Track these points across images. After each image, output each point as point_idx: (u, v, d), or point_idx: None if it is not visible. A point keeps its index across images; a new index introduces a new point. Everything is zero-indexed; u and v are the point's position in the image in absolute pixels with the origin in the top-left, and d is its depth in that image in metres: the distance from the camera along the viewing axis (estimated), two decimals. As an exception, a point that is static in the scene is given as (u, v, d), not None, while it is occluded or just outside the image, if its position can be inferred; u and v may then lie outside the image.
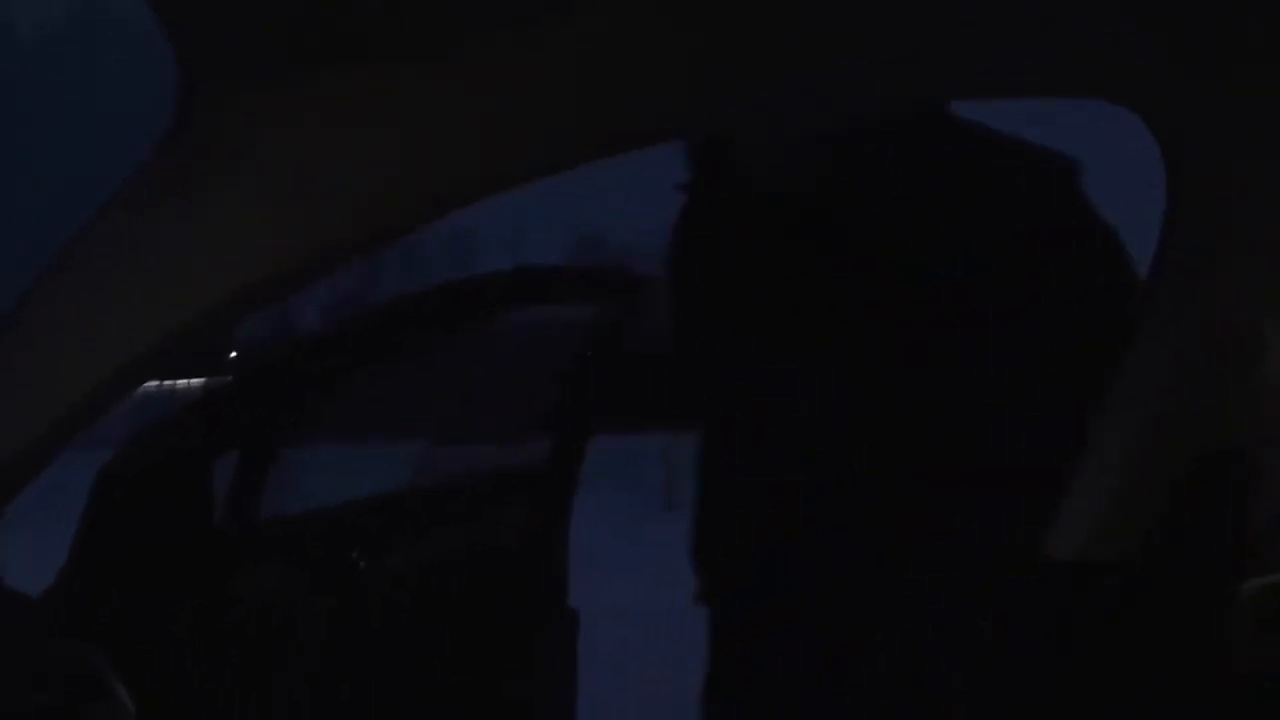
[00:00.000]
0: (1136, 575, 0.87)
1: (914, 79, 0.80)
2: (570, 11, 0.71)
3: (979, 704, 1.00)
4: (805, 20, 0.72)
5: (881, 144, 1.00)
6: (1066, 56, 0.78)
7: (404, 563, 1.51)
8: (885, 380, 1.01)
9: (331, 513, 1.53)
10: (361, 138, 0.75)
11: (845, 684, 1.04)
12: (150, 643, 1.10)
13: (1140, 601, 0.88)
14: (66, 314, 0.86)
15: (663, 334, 1.27)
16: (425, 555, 1.56)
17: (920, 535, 1.01)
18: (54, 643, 1.00)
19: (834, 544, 1.02)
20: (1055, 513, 0.89)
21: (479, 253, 40.85)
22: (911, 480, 1.01)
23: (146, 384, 0.94)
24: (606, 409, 1.76)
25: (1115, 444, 0.92)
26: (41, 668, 0.96)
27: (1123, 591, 0.89)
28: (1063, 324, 1.00)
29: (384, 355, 1.55)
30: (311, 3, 0.70)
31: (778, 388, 1.05)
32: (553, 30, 0.71)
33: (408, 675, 1.44)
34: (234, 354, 4.45)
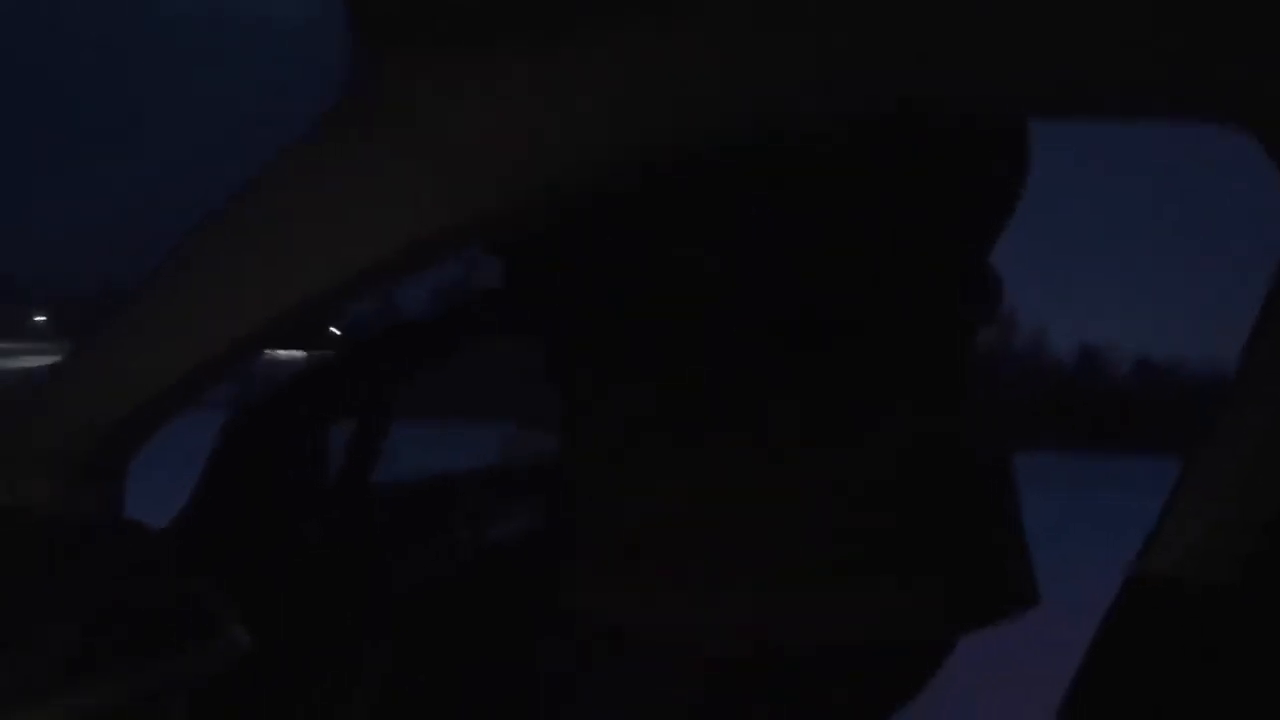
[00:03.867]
0: (1237, 596, 0.86)
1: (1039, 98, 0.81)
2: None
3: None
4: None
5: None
6: (1184, 75, 0.77)
7: (498, 533, 1.56)
8: None
9: (432, 482, 1.58)
10: (517, 115, 0.78)
11: None
12: (259, 585, 1.15)
13: (1240, 622, 0.87)
14: (212, 274, 0.91)
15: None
16: (513, 528, 1.61)
17: None
18: (179, 577, 1.06)
19: None
20: (1153, 531, 0.88)
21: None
22: None
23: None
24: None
25: (1219, 465, 0.90)
26: (166, 601, 1.02)
27: (1221, 612, 0.88)
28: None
29: (479, 338, 1.59)
30: None
31: None
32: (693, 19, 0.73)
33: (494, 636, 1.48)
34: (335, 329, 4.56)
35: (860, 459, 0.86)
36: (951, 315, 0.93)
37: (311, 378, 1.29)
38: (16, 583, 0.98)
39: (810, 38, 0.71)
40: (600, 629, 0.90)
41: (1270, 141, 0.76)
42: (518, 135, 0.79)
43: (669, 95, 0.76)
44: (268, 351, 1.03)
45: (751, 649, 0.87)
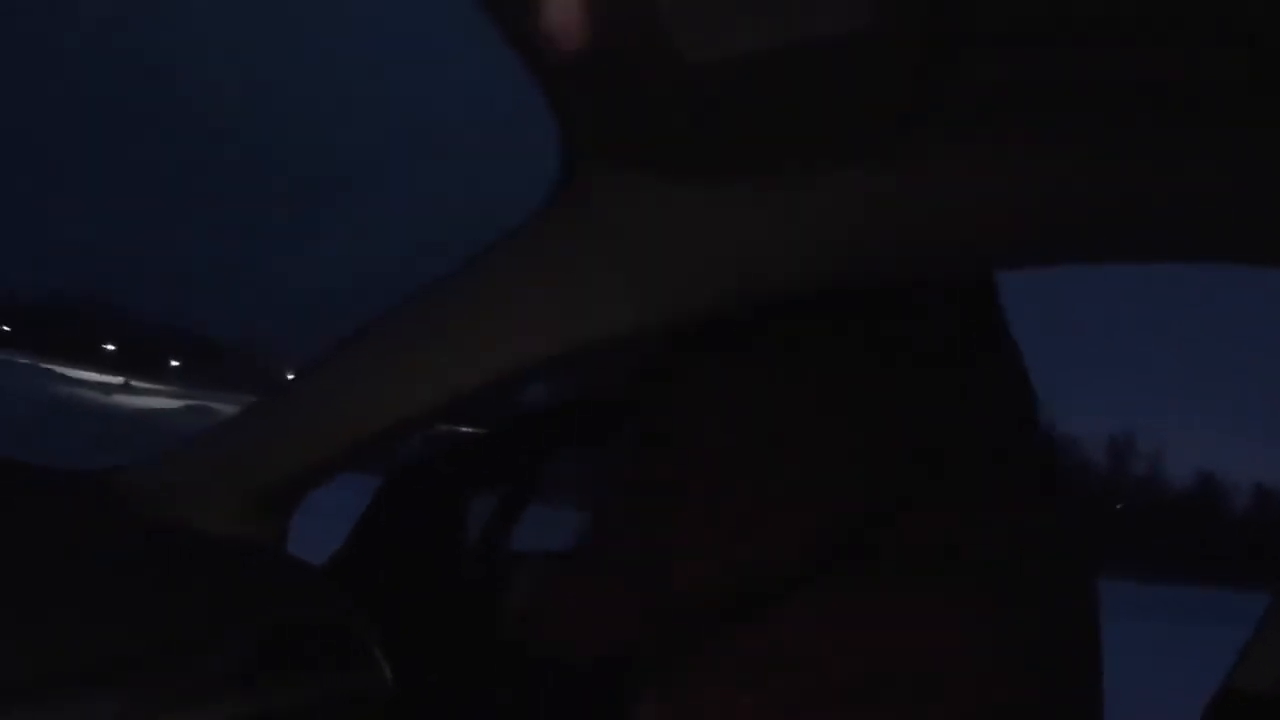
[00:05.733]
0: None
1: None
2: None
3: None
4: None
5: None
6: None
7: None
8: None
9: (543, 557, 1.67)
10: (715, 226, 0.88)
11: None
12: (401, 629, 1.26)
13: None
14: (411, 344, 1.04)
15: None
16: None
17: None
18: (336, 610, 1.17)
19: None
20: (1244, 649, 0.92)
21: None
22: None
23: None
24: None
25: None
26: (324, 628, 1.13)
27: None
28: None
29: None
30: (694, 107, 0.79)
31: None
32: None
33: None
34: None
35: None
36: None
37: (468, 448, 1.40)
38: (198, 596, 1.11)
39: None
40: None
41: None
42: (711, 256, 0.88)
43: (872, 233, 0.84)
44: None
45: None
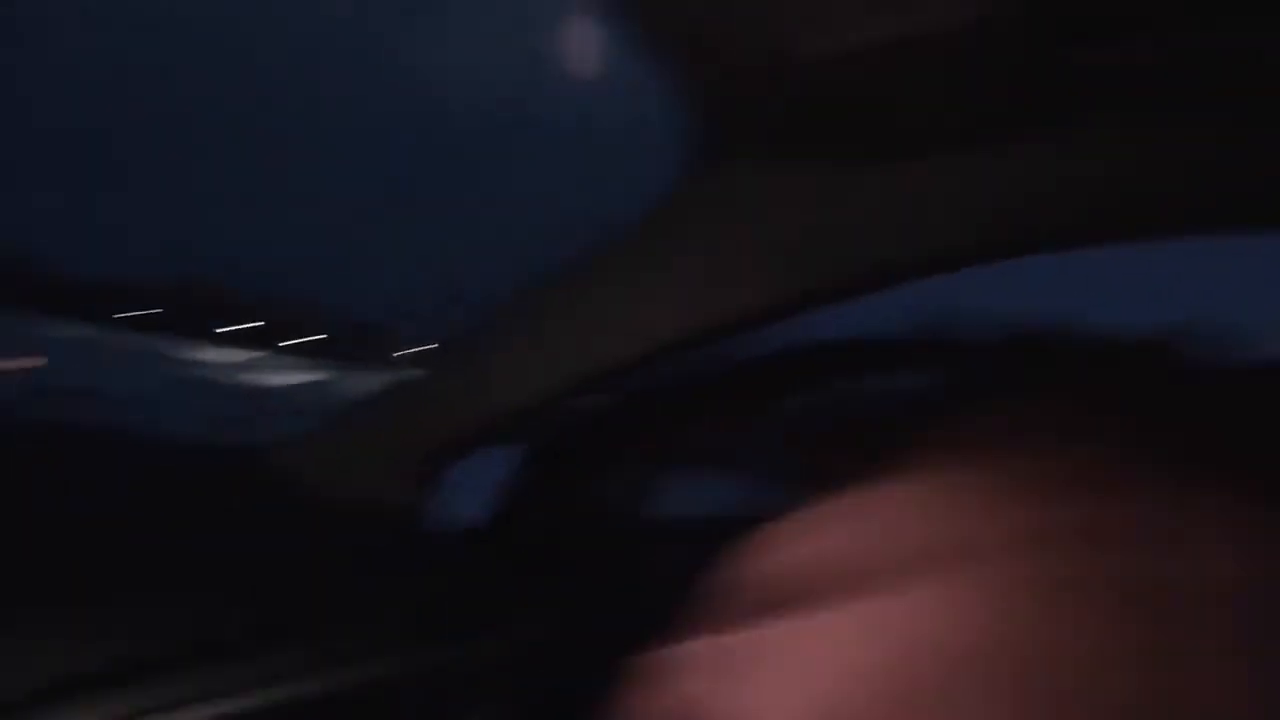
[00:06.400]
0: None
1: None
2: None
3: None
4: None
5: None
6: None
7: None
8: None
9: (683, 526, 1.70)
10: (837, 210, 0.91)
11: None
12: (547, 593, 1.30)
13: None
14: (566, 320, 1.09)
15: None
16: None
17: None
18: (487, 564, 1.23)
19: None
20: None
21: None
22: None
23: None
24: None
25: None
26: (482, 588, 1.19)
27: None
28: None
29: (743, 402, 1.70)
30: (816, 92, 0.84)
31: None
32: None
33: None
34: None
35: None
36: None
37: (611, 416, 1.44)
38: (358, 562, 1.17)
39: None
40: None
41: None
42: (834, 236, 0.91)
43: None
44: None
45: None
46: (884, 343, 1.93)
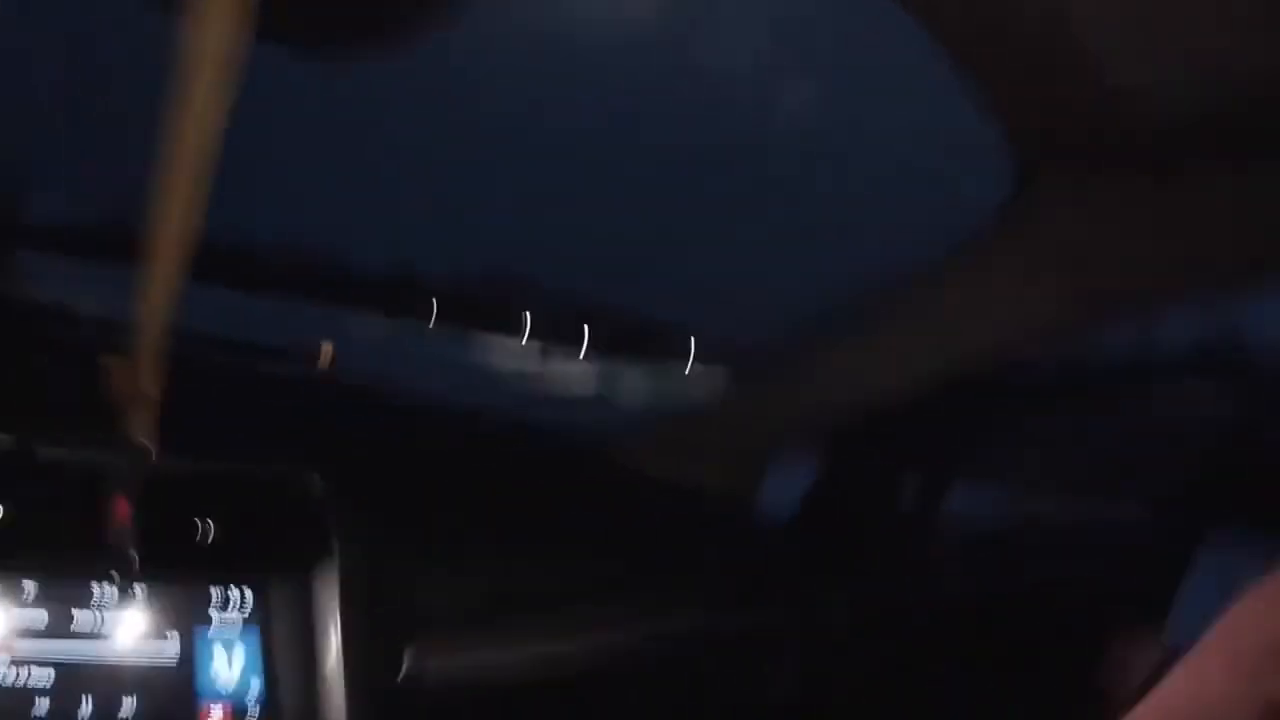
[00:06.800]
0: None
1: None
2: None
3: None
4: None
5: None
6: None
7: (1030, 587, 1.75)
8: None
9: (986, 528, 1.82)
10: (1139, 231, 1.02)
11: None
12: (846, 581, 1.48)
13: None
14: (869, 337, 1.25)
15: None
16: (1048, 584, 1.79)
17: None
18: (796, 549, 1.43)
19: None
20: None
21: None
22: None
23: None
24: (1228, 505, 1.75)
25: None
26: (786, 570, 1.38)
27: None
28: None
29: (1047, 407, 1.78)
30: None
31: None
32: None
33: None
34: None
35: None
36: None
37: (906, 423, 1.59)
38: (700, 543, 1.40)
39: None
40: None
41: None
42: (1143, 256, 1.02)
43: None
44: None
45: None
46: (1172, 360, 1.93)
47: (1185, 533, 1.75)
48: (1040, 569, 1.75)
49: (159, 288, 0.68)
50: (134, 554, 0.88)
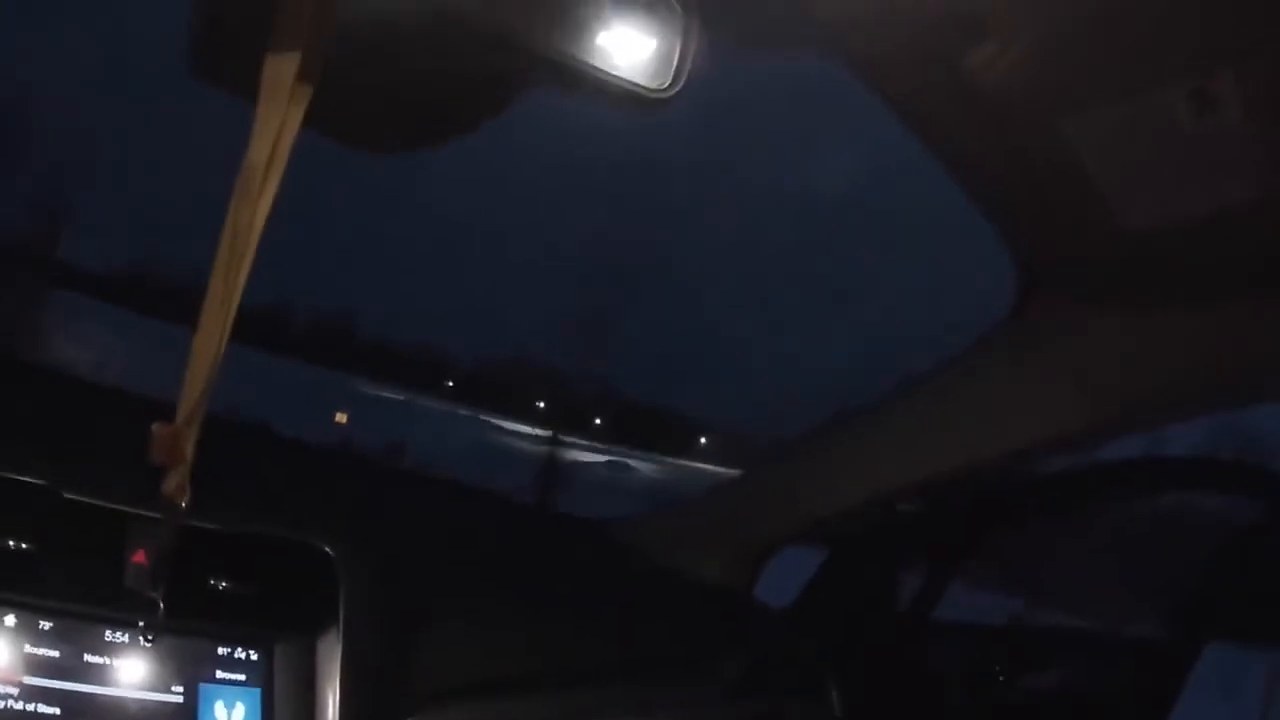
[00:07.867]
0: None
1: None
2: None
3: None
4: None
5: None
6: None
7: (1027, 689, 1.75)
8: None
9: (983, 630, 1.83)
10: (1142, 351, 1.06)
11: None
12: (847, 671, 1.50)
13: None
14: (888, 439, 1.29)
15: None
16: (1043, 689, 1.79)
17: None
18: (799, 640, 1.43)
19: None
20: None
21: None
22: None
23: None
24: (1227, 612, 1.75)
25: None
26: (794, 658, 1.40)
27: None
28: None
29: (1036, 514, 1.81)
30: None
31: None
32: None
33: None
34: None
35: None
36: None
37: (906, 524, 1.63)
38: (693, 627, 1.42)
39: None
40: None
41: None
42: (1143, 372, 1.07)
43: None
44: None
45: None
46: (1185, 462, 1.95)
47: (1185, 643, 1.75)
48: (1037, 674, 1.77)
49: (204, 357, 0.73)
50: (159, 599, 0.91)
